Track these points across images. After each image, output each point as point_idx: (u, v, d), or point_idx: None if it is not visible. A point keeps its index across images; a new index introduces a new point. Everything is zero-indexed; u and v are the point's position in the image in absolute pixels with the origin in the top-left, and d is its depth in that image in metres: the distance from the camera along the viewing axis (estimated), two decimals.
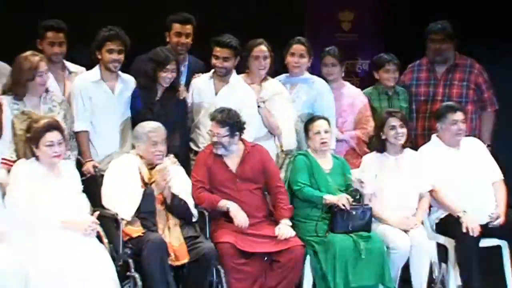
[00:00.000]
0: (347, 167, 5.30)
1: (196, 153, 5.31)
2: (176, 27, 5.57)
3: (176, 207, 4.85)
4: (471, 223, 4.94)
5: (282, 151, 5.47)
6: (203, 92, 5.39)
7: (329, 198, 5.01)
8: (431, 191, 5.22)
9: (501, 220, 5.07)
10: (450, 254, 5.10)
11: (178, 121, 5.26)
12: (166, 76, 5.12)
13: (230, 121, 4.99)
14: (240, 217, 4.89)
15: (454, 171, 5.23)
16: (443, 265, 5.21)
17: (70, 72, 5.48)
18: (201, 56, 5.72)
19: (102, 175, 5.01)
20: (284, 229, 4.92)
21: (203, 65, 5.67)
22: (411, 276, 5.07)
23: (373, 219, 5.04)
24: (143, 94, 5.20)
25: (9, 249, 4.37)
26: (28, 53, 4.96)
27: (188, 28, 5.59)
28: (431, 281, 5.23)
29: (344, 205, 4.94)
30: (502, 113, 6.15)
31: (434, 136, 5.38)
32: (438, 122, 5.34)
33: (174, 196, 4.85)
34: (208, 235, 4.90)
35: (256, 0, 7.16)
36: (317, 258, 4.90)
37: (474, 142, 5.47)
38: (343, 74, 5.75)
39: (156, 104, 5.17)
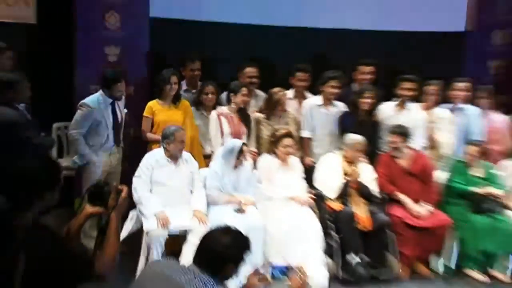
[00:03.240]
0: None
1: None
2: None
3: (363, 192, 6.03)
4: None
5: None
6: None
7: None
8: None
9: None
10: None
11: (371, 135, 6.34)
12: (364, 103, 6.34)
13: None
14: None
15: None
16: None
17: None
18: None
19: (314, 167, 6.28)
20: None
21: None
22: None
23: None
24: (349, 116, 6.37)
25: (257, 211, 5.76)
26: (276, 89, 6.46)
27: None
28: None
29: None
30: None
31: None
32: None
33: (361, 184, 6.07)
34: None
35: None
36: None
37: None
38: None
39: (358, 123, 6.35)
